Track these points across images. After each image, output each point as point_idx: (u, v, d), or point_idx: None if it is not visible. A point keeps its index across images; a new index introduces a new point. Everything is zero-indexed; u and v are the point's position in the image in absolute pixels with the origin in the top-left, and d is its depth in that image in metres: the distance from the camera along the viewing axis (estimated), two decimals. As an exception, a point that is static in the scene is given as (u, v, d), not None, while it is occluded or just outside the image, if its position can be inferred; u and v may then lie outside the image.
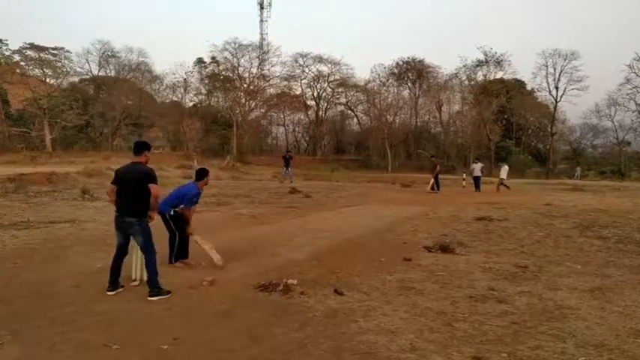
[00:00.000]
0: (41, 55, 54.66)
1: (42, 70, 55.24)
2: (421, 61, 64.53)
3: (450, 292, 6.09)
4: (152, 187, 5.84)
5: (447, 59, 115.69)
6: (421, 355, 4.14)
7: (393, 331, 4.69)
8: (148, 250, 5.89)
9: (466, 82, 61.22)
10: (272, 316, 5.10)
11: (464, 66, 59.84)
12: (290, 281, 6.12)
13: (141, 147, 6.16)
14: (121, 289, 5.92)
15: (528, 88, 61.80)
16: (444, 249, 8.67)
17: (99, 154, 43.48)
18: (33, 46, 54.27)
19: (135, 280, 6.26)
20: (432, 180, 23.79)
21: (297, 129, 73.99)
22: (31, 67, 55.92)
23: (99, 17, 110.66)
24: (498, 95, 57.23)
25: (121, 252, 6.03)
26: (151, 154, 6.27)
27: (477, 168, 25.61)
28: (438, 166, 24.82)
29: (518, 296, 5.94)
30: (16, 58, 55.37)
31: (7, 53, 55.09)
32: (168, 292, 5.77)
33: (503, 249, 8.98)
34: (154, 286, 5.75)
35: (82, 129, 58.28)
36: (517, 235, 10.29)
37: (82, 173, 24.07)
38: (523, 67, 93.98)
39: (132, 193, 5.86)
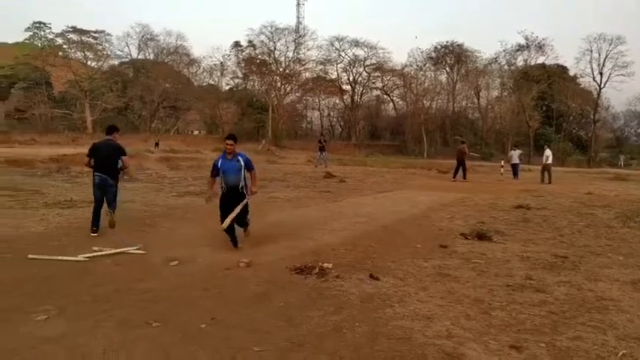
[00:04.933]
0: (83, 38, 55.88)
1: (83, 53, 56.58)
2: (460, 45, 63.41)
3: (487, 280, 6.02)
4: (124, 158, 8.29)
5: (487, 43, 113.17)
6: (457, 342, 4.12)
7: (428, 317, 4.67)
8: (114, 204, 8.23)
9: (506, 67, 60.02)
10: (307, 299, 5.14)
11: (504, 50, 58.68)
12: (325, 265, 6.16)
13: (111, 129, 8.62)
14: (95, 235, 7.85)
15: (571, 73, 60.12)
16: (481, 237, 8.55)
17: (137, 137, 44.34)
18: (75, 30, 55.48)
19: (174, 261, 6.38)
20: (459, 167, 22.10)
21: (332, 113, 73.87)
22: (73, 50, 57.28)
23: (139, 1, 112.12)
24: (539, 81, 55.89)
25: (100, 204, 8.18)
26: (119, 135, 8.61)
27: (516, 155, 25.07)
28: (466, 151, 22.85)
29: (557, 286, 5.83)
30: (59, 41, 56.78)
31: (50, 37, 56.56)
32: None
33: (542, 238, 8.80)
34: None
35: (121, 111, 59.51)
36: (557, 224, 10.08)
37: (121, 155, 24.50)
38: (566, 53, 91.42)
39: (108, 161, 8.13)
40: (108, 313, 4.57)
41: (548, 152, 23.00)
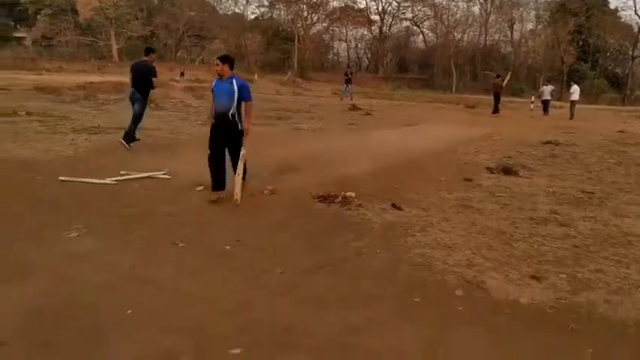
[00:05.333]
0: (109, -38, 54.60)
1: (109, -22, 55.39)
2: (495, -25, 60.46)
3: (511, 214, 6.00)
4: (154, 79, 9.12)
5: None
6: (478, 271, 4.15)
7: (450, 246, 4.71)
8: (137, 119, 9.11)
9: (542, -1, 57.21)
10: (330, 226, 5.21)
11: (543, -19, 55.72)
12: (348, 194, 6.18)
13: (148, 50, 9.59)
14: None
15: (611, 6, 57.13)
16: (507, 171, 8.45)
17: (163, 65, 44.14)
18: (101, -46, 54.18)
19: (199, 186, 6.47)
20: (497, 102, 22.58)
21: (359, 45, 72.07)
22: (98, -24, 56.12)
23: None
24: (577, 14, 53.35)
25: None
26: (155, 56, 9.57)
27: (547, 91, 24.37)
28: (502, 84, 23.29)
29: (582, 221, 5.78)
30: (85, -34, 55.60)
31: (75, -40, 55.44)
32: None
33: (570, 174, 8.66)
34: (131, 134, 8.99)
35: (146, 40, 58.86)
36: (585, 161, 9.90)
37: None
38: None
39: (141, 79, 9.04)
40: (135, 233, 4.71)
41: (573, 88, 23.23)
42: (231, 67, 6.25)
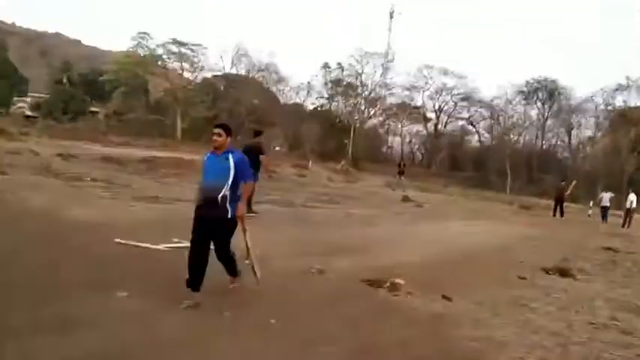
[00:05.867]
0: (181, 49, 58.77)
1: (181, 63, 59.47)
2: (554, 81, 61.05)
3: (567, 315, 5.71)
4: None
5: (583, 80, 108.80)
6: (531, 371, 3.93)
7: (502, 343, 4.48)
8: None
9: (602, 107, 57.07)
10: (377, 311, 5.10)
11: (601, 89, 55.83)
12: (398, 280, 6.06)
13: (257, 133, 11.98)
14: None
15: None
16: (564, 273, 8.12)
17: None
18: (175, 41, 58.46)
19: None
20: (557, 205, 22.84)
21: (413, 140, 73.03)
22: (171, 61, 60.38)
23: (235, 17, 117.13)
24: (638, 123, 52.69)
25: None
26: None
27: (606, 197, 23.82)
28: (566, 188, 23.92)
29: (646, 330, 5.42)
30: (160, 51, 60.04)
31: (152, 46, 60.04)
32: None
33: (632, 282, 8.24)
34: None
35: (209, 122, 61.82)
36: (647, 270, 9.42)
37: (206, 162, 25.48)
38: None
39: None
40: (185, 299, 4.73)
41: (632, 197, 23.11)
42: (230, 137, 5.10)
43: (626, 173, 51.64)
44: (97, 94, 64.29)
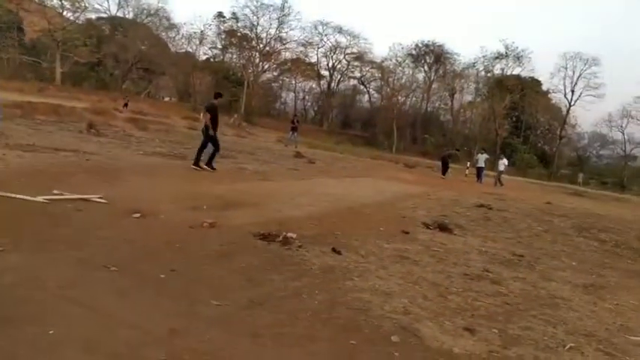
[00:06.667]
0: (61, -15, 53.89)
1: (60, 1, 54.53)
2: (441, 46, 63.98)
3: (445, 268, 6.11)
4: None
5: (467, 47, 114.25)
6: (413, 319, 4.17)
7: (387, 293, 4.72)
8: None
9: (482, 74, 60.82)
10: (269, 264, 5.12)
11: (483, 56, 59.40)
12: (289, 234, 6.14)
13: (217, 95, 12.58)
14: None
15: (544, 88, 61.45)
16: (442, 228, 8.67)
17: (107, 95, 43.24)
18: (54, -25, 53.47)
19: (136, 213, 6.26)
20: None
21: (306, 97, 73.64)
22: (50, -3, 55.19)
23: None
24: (513, 91, 56.93)
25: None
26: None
27: (482, 159, 25.62)
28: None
29: (513, 281, 5.96)
30: (36, -15, 54.61)
31: (27, -21, 54.41)
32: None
33: (501, 237, 8.98)
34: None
35: (93, 67, 57.92)
36: (516, 226, 10.30)
37: (88, 110, 24.01)
38: (542, 67, 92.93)
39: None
40: (64, 253, 4.47)
41: (503, 161, 26.26)
42: None
43: (499, 137, 55.75)
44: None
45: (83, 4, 56.90)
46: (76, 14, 57.59)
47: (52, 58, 53.99)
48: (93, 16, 62.01)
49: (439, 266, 6.14)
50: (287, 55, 64.58)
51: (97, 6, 60.62)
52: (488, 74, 60.09)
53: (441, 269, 6.01)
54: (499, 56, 58.45)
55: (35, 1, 54.81)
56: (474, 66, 60.90)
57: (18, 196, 6.19)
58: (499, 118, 56.11)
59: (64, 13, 55.76)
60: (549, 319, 4.72)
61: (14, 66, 52.71)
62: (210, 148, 11.63)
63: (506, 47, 57.70)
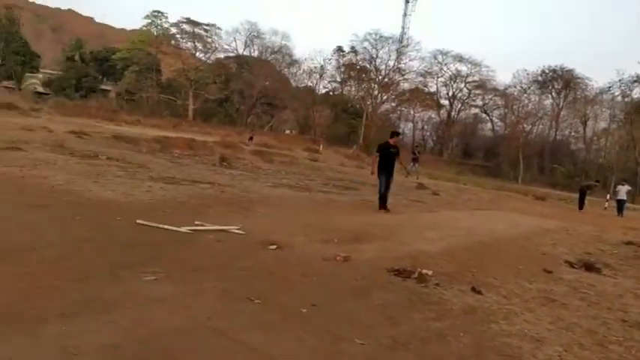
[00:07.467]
0: (195, 29, 58.67)
1: (194, 44, 59.34)
2: (570, 71, 60.38)
3: (599, 313, 5.55)
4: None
5: (600, 72, 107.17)
6: (572, 370, 3.79)
7: (538, 340, 4.35)
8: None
9: (619, 99, 56.35)
10: (407, 301, 4.96)
11: (619, 80, 55.07)
12: (425, 271, 5.93)
13: (393, 133, 12.95)
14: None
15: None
16: (589, 267, 7.94)
17: (233, 129, 45.74)
18: (189, 21, 58.39)
19: (272, 245, 6.40)
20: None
21: (425, 127, 72.80)
22: (184, 41, 60.31)
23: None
24: (655, 116, 52.05)
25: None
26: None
27: (623, 191, 23.53)
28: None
29: (681, 331, 5.26)
30: (173, 30, 59.93)
31: (165, 26, 59.85)
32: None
33: (659, 279, 8.05)
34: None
35: (221, 103, 61.85)
36: (673, 267, 9.21)
37: (218, 143, 25.47)
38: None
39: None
40: (210, 284, 4.63)
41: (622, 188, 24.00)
42: None
43: (640, 166, 51.13)
44: (109, 73, 64.36)
45: (214, 46, 61.42)
46: (207, 54, 62.24)
47: (186, 96, 58.56)
48: (222, 55, 66.66)
49: (591, 311, 5.59)
50: (406, 85, 64.66)
51: (225, 46, 65.19)
52: (626, 99, 55.59)
53: (594, 314, 5.46)
54: (638, 79, 53.95)
55: (171, 44, 60.10)
56: (609, 91, 56.72)
57: (165, 226, 6.60)
58: (639, 145, 51.50)
59: (197, 54, 60.52)
60: None
61: (152, 104, 57.79)
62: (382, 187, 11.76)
63: (646, 70, 53.30)
